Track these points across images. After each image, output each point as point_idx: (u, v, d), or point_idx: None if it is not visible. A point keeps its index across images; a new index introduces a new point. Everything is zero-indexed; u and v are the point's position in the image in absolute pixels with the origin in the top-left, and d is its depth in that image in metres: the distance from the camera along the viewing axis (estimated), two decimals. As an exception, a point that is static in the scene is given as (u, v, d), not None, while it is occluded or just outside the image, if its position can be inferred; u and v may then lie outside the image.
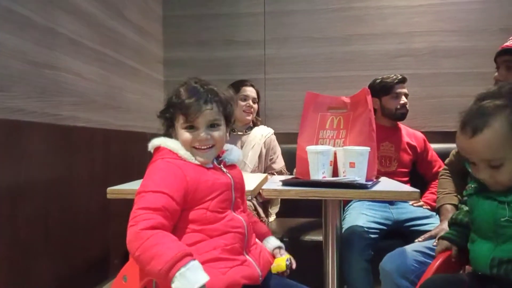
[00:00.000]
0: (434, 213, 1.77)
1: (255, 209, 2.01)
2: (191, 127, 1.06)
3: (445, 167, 1.66)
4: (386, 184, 1.39)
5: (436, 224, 1.55)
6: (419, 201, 1.97)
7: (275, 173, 2.16)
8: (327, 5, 2.59)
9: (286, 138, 2.34)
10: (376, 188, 1.26)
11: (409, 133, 2.19)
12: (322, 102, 1.52)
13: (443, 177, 1.63)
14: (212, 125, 1.07)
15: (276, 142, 2.26)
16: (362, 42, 2.57)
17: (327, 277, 1.46)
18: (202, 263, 0.92)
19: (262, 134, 2.22)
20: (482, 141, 0.92)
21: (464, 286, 1.00)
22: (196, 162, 1.06)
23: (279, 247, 1.20)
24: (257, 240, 1.16)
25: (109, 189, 1.32)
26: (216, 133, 1.07)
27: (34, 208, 1.49)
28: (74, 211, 1.73)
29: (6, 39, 1.38)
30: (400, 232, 1.82)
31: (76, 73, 1.77)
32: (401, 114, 2.10)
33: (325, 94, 1.56)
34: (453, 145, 1.29)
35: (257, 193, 1.34)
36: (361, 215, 1.79)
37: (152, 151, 1.10)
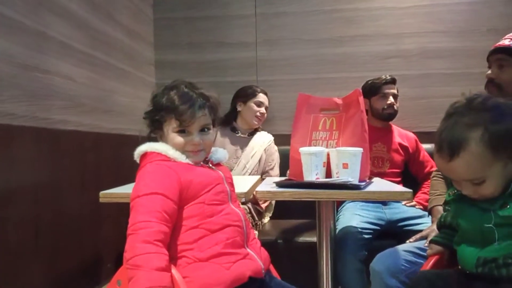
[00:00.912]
0: (427, 213, 1.78)
1: (250, 212, 2.01)
2: (183, 131, 1.08)
3: (437, 168, 1.67)
4: (379, 185, 1.40)
5: (429, 224, 1.56)
6: (412, 201, 1.98)
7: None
8: (318, 7, 2.60)
9: (278, 139, 2.34)
10: (369, 188, 1.27)
11: (401, 134, 2.20)
12: (315, 103, 1.53)
13: (434, 178, 1.64)
14: (203, 129, 1.10)
15: (275, 149, 2.29)
16: (352, 44, 2.58)
17: (322, 278, 1.47)
18: (206, 259, 0.94)
19: (263, 141, 2.25)
20: (460, 165, 0.91)
21: (453, 281, 1.01)
22: (186, 161, 1.07)
23: None
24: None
25: (102, 193, 1.30)
26: (207, 138, 1.11)
27: (24, 212, 1.48)
28: (65, 215, 1.71)
29: (-5, 43, 1.36)
30: (393, 232, 1.83)
31: (67, 77, 1.76)
32: (388, 114, 2.10)
33: (316, 95, 1.56)
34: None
35: (251, 196, 1.34)
36: (354, 216, 1.80)
37: (138, 160, 1.10)
